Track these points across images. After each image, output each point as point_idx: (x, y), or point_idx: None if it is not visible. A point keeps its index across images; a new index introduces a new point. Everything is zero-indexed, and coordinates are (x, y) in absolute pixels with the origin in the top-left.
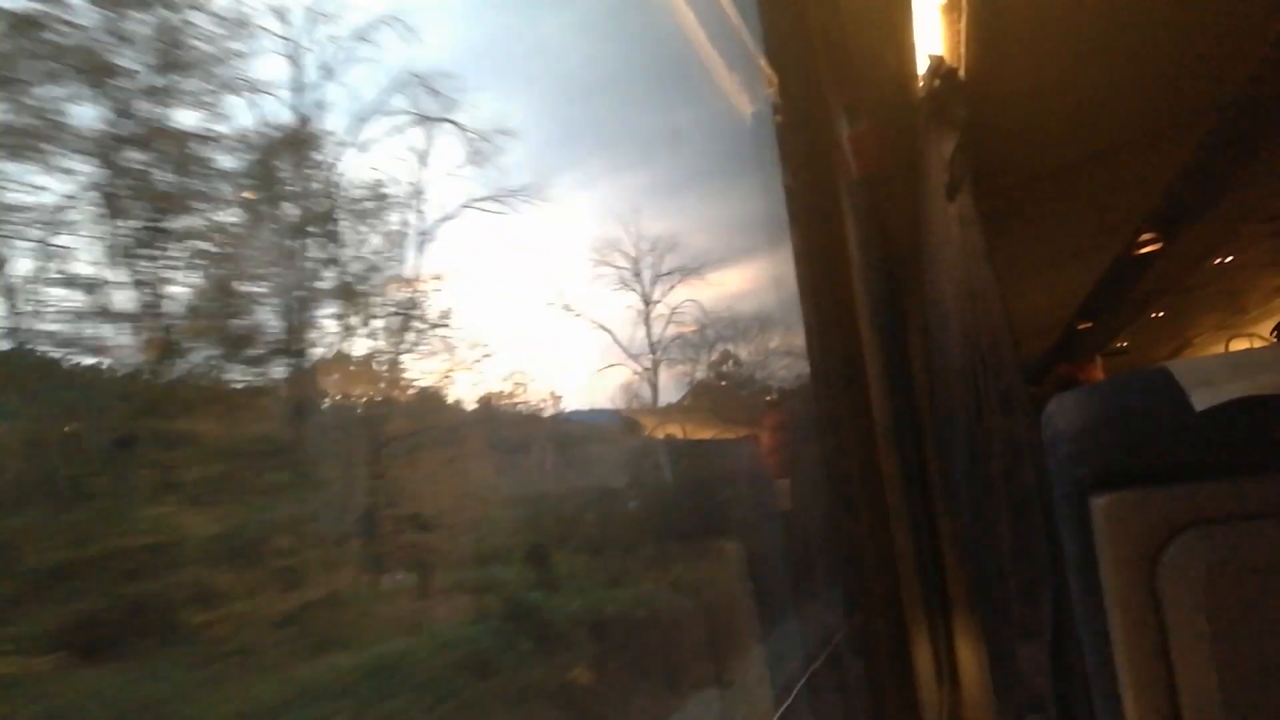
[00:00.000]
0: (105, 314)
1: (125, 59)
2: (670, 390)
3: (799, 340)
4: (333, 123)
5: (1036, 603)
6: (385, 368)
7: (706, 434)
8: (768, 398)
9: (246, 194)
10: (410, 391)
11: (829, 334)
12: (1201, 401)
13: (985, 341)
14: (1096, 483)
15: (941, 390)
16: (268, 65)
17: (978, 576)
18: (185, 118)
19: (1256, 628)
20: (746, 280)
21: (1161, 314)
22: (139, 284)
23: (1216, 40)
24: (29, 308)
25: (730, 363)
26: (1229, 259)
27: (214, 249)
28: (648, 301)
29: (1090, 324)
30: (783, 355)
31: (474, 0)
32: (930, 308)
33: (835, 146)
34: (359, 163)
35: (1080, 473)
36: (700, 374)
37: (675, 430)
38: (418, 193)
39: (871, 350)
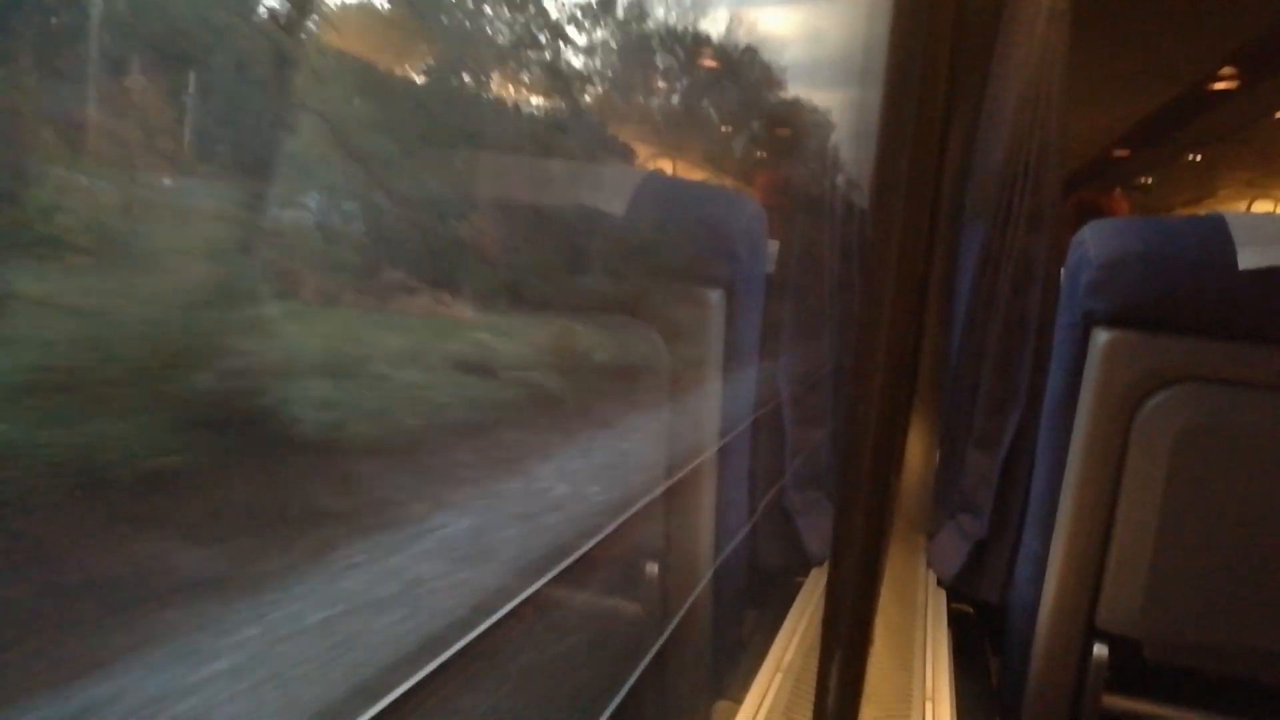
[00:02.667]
0: None
1: None
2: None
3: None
4: None
5: (1002, 418)
6: None
7: (697, 175)
8: (759, 154)
9: None
10: None
11: (904, 106)
12: (1248, 260)
13: (1034, 151)
14: (1105, 318)
15: (973, 195)
16: None
17: (953, 383)
18: None
19: (1211, 492)
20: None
21: (1199, 158)
22: None
23: None
24: None
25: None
26: None
27: None
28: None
29: (1127, 153)
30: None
31: None
32: (987, 103)
33: None
34: None
35: (1093, 304)
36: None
37: (665, 165)
38: None
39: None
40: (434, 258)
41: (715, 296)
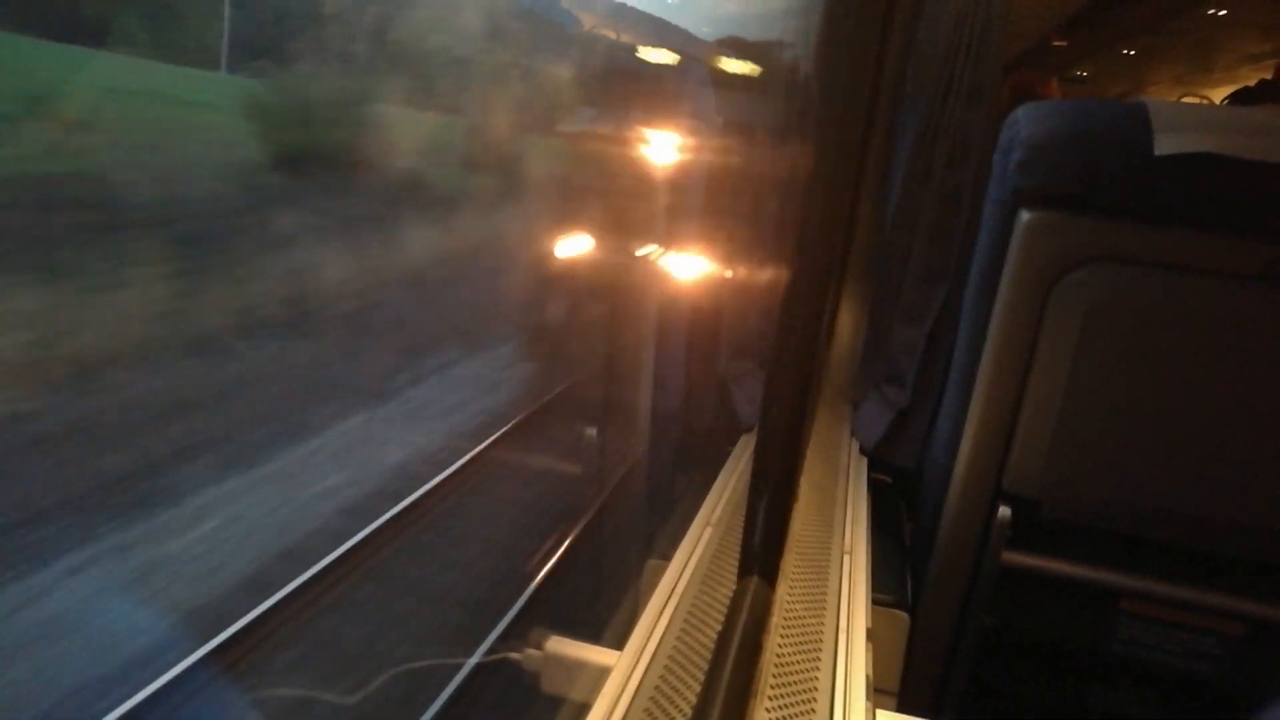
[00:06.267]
0: None
1: None
2: None
3: None
4: None
5: (930, 291)
6: None
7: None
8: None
9: None
10: None
11: None
12: (1164, 146)
13: (977, 28)
14: (1031, 197)
15: (915, 69)
16: None
17: (885, 257)
18: None
19: (1113, 366)
20: None
21: (1133, 52)
22: None
23: None
24: None
25: None
26: (1223, 12)
27: None
28: None
29: (1065, 42)
30: None
31: None
32: None
33: None
34: None
35: (1022, 182)
36: None
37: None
38: None
39: None
40: None
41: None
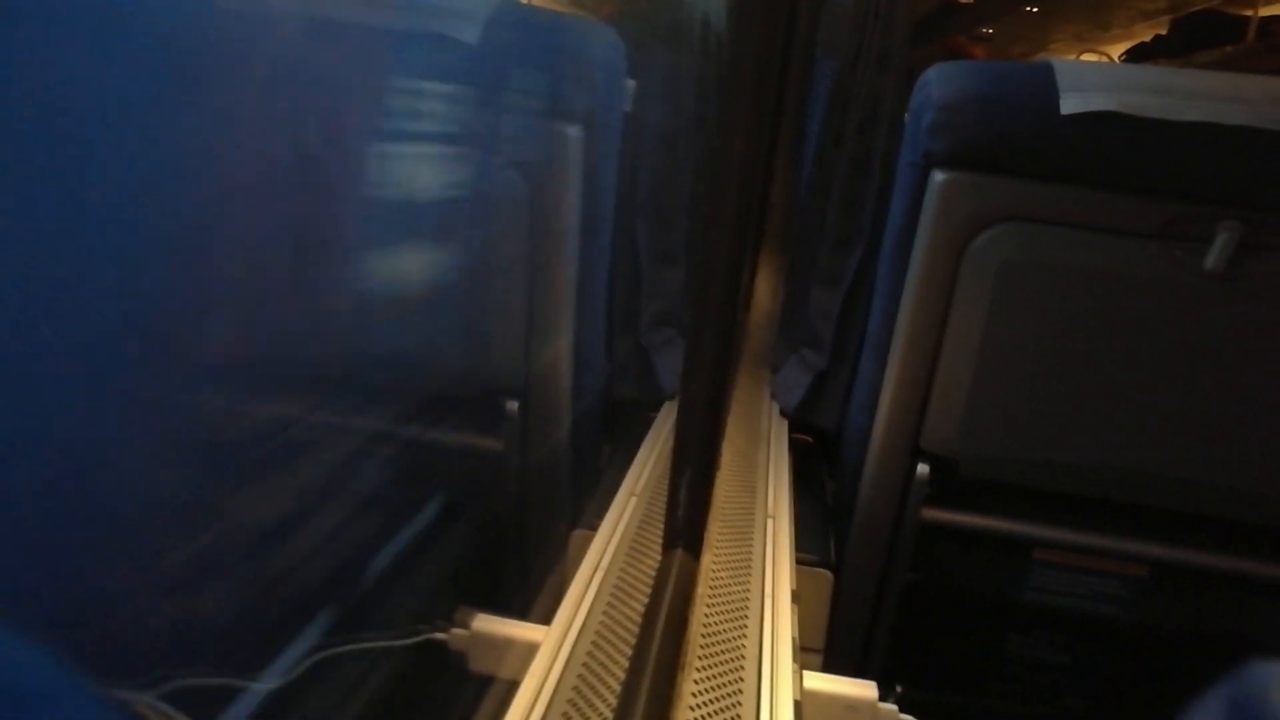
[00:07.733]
0: None
1: None
2: None
3: None
4: None
5: (846, 255)
6: None
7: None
8: None
9: None
10: None
11: None
12: (1069, 105)
13: None
14: (942, 159)
15: (825, 32)
16: None
17: (800, 222)
18: None
19: (1025, 324)
20: None
21: (1035, 9)
22: None
23: None
24: None
25: None
26: None
27: None
28: None
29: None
30: None
31: None
32: None
33: None
34: None
35: (933, 144)
36: None
37: None
38: None
39: None
40: None
41: (574, 132)
